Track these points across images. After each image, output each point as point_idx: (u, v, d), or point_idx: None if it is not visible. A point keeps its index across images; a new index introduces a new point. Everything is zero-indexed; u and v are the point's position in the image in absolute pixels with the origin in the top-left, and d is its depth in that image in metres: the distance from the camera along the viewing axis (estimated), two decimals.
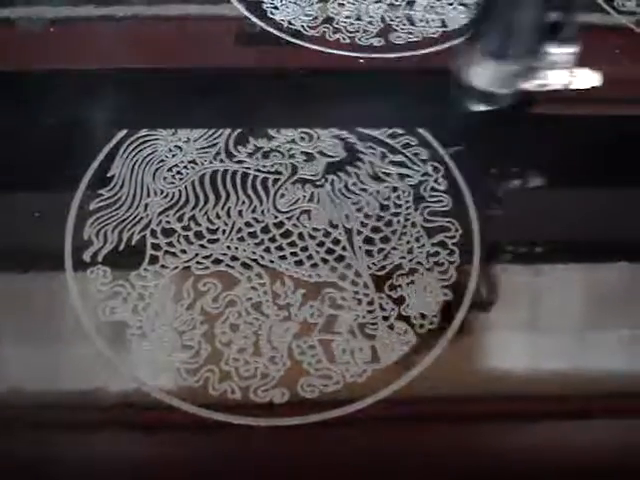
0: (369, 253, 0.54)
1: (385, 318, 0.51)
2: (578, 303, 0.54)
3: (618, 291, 0.54)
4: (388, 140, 0.59)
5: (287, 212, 0.55)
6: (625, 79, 0.65)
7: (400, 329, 0.51)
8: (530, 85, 0.58)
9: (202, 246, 0.53)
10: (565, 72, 0.58)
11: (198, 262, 0.53)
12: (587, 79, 0.58)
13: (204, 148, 0.58)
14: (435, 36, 0.67)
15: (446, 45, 0.66)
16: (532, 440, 0.47)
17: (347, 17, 0.67)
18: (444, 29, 0.67)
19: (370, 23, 0.67)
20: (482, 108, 0.60)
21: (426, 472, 0.47)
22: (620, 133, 0.62)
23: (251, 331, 0.50)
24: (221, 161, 0.57)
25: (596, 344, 0.52)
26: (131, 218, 0.54)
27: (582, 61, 0.60)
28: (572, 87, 0.59)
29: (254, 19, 0.67)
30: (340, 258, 0.53)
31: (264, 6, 0.68)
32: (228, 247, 0.53)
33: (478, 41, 0.58)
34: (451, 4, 0.69)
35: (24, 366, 0.50)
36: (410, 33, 0.67)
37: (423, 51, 0.66)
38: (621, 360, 0.51)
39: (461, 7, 0.69)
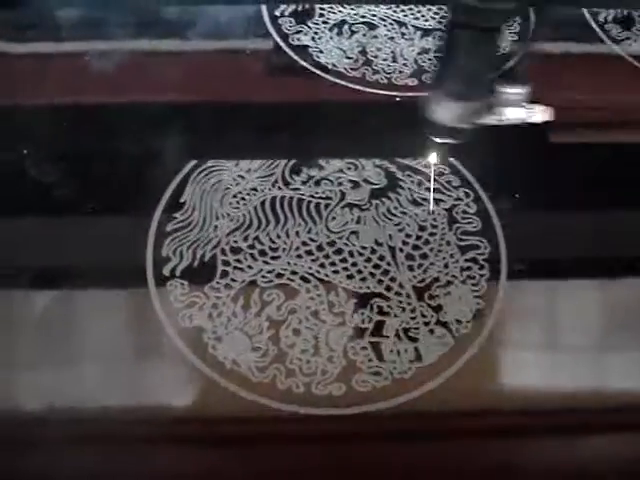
0: (410, 268, 0.62)
1: (426, 324, 0.59)
2: (599, 320, 0.62)
3: None
4: (423, 169, 0.68)
5: (338, 232, 0.63)
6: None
7: (439, 333, 0.59)
8: (490, 121, 0.67)
9: (265, 262, 0.61)
10: (521, 108, 0.66)
11: (263, 276, 0.61)
12: (541, 115, 0.66)
13: (263, 177, 0.66)
14: None
15: None
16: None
17: (384, 60, 0.76)
18: None
19: (405, 65, 0.76)
20: (448, 141, 0.68)
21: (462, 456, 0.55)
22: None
23: (311, 335, 0.58)
24: (279, 188, 0.66)
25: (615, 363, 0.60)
26: (203, 238, 0.63)
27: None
28: (528, 122, 0.67)
29: (301, 61, 0.75)
30: (385, 272, 0.61)
31: (310, 50, 0.76)
32: (288, 263, 0.61)
33: (441, 84, 0.67)
34: None
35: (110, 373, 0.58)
36: None
37: None
38: None
39: None
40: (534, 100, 0.66)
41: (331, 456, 0.54)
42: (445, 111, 0.66)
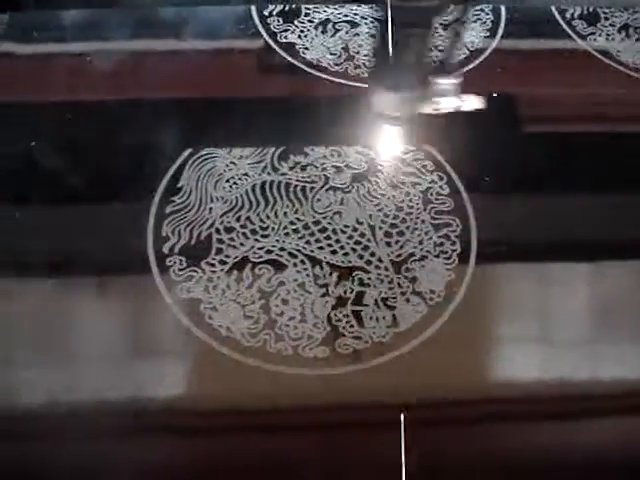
0: (388, 244, 0.68)
1: (402, 293, 0.65)
2: (576, 299, 0.67)
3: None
4: (401, 154, 0.74)
5: (322, 213, 0.69)
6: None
7: (414, 302, 0.65)
8: (428, 109, 0.74)
9: (256, 240, 0.67)
10: (454, 98, 0.72)
11: (254, 252, 0.67)
12: (473, 103, 0.73)
13: (254, 163, 0.72)
14: None
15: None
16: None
17: (365, 55, 0.82)
18: None
19: None
20: (393, 125, 0.76)
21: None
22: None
23: (298, 304, 0.64)
24: (268, 173, 0.72)
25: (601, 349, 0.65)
26: (199, 219, 0.68)
27: None
28: (462, 110, 0.74)
29: (289, 58, 0.81)
30: (366, 248, 0.67)
31: (297, 47, 0.82)
32: (277, 240, 0.67)
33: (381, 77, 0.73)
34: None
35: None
36: None
37: None
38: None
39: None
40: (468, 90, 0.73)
41: (317, 409, 0.60)
42: (386, 102, 0.72)
